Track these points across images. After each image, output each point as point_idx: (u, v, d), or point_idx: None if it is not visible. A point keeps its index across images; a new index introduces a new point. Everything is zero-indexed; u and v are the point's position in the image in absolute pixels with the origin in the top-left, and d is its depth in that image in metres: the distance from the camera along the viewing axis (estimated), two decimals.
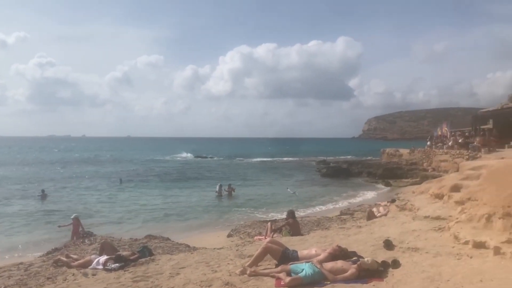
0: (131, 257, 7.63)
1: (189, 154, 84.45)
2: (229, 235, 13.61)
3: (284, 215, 14.52)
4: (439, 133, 34.60)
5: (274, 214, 19.23)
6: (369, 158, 54.06)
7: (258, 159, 69.75)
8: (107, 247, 8.45)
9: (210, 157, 77.23)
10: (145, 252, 8.22)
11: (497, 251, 5.80)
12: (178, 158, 74.86)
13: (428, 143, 34.77)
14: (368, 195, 25.20)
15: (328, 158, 64.00)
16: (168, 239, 12.16)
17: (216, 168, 51.92)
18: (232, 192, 25.91)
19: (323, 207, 21.28)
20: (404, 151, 41.00)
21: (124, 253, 7.98)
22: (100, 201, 23.99)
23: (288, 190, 27.11)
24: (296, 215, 13.03)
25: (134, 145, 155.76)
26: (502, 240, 5.89)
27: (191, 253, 8.23)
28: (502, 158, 14.91)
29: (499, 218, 6.42)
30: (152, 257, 7.81)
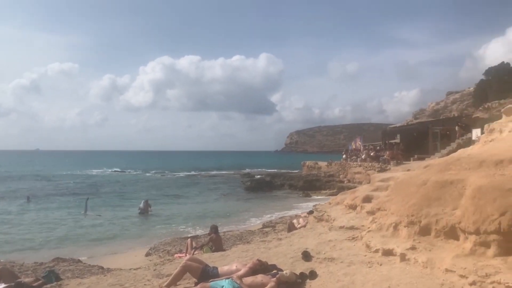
0: (34, 284, 6.93)
1: (105, 169, 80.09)
2: (147, 254, 13.03)
3: (206, 231, 14.33)
4: (353, 147, 37.07)
5: (197, 229, 18.90)
6: (291, 170, 55.94)
7: (181, 173, 68.40)
8: (5, 274, 7.58)
9: (129, 172, 74.03)
10: (51, 277, 7.53)
11: (402, 257, 6.27)
12: (93, 173, 70.57)
13: (344, 156, 37.01)
14: (290, 206, 25.95)
15: (252, 171, 64.98)
16: (79, 261, 11.30)
17: (136, 183, 49.81)
18: (150, 209, 24.73)
19: (246, 220, 21.43)
20: (323, 164, 43.16)
21: (26, 279, 7.23)
22: (2, 222, 21.60)
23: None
24: (219, 230, 12.94)
25: (43, 159, 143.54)
26: (407, 247, 6.38)
27: (104, 276, 7.70)
28: (408, 170, 16.35)
29: (404, 227, 6.97)
30: (59, 283, 7.16)
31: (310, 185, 34.56)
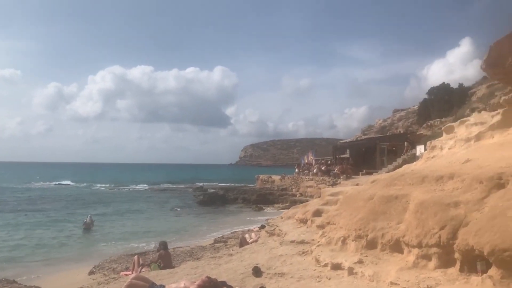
0: None
1: (48, 182, 75.85)
2: (91, 273, 12.37)
3: (155, 247, 13.88)
4: (306, 161, 37.83)
5: (145, 246, 18.26)
6: (245, 184, 55.94)
7: (131, 187, 66.24)
8: None
9: (75, 185, 70.62)
10: None
11: (350, 271, 6.39)
12: (35, 186, 66.55)
13: (296, 170, 37.62)
14: (242, 221, 25.84)
15: (205, 184, 64.23)
16: (14, 281, 10.51)
17: (81, 197, 47.50)
18: (92, 224, 23.50)
19: (198, 236, 21.04)
20: (276, 178, 43.57)
21: None
22: None
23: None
24: (169, 246, 12.58)
25: None
26: (354, 261, 6.52)
27: None
28: (357, 184, 16.87)
29: (352, 241, 7.13)
30: None
31: (264, 199, 34.70)
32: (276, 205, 31.98)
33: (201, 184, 65.12)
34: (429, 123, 30.61)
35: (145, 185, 69.99)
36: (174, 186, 67.04)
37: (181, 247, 16.12)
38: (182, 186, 67.13)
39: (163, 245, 11.54)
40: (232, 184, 60.09)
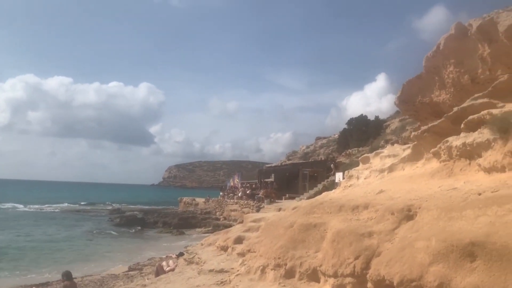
0: None
1: None
2: None
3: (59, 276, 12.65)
4: (232, 184, 37.80)
5: (49, 275, 16.60)
6: (168, 206, 54.21)
7: (38, 206, 60.70)
8: None
9: None
10: None
11: None
12: None
13: (221, 193, 37.36)
14: (161, 247, 24.80)
15: (123, 206, 61.08)
16: None
17: None
18: None
19: (111, 263, 19.69)
20: (200, 200, 42.85)
21: None
22: None
23: None
24: (78, 274, 11.55)
25: None
26: None
27: None
28: (280, 208, 17.11)
29: (271, 269, 7.10)
30: None
31: (186, 223, 33.79)
32: (199, 229, 31.27)
33: (118, 206, 61.82)
34: (347, 152, 32.43)
35: (55, 204, 64.58)
36: (89, 208, 62.76)
37: (91, 275, 14.93)
38: (98, 207, 63.11)
39: (67, 275, 10.54)
40: (153, 207, 57.87)
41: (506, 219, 3.99)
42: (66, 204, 68.17)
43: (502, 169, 5.52)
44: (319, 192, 23.97)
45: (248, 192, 28.94)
